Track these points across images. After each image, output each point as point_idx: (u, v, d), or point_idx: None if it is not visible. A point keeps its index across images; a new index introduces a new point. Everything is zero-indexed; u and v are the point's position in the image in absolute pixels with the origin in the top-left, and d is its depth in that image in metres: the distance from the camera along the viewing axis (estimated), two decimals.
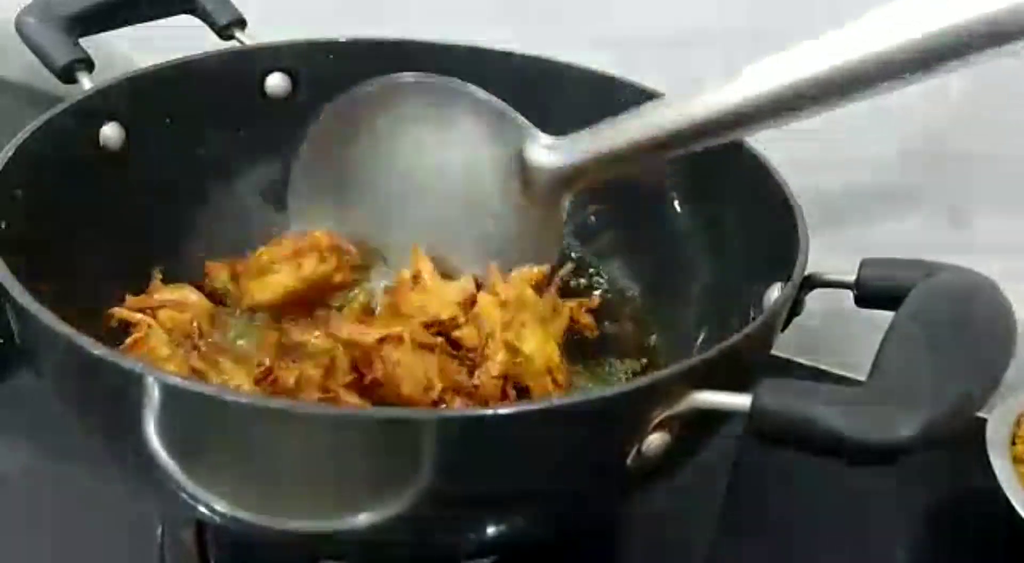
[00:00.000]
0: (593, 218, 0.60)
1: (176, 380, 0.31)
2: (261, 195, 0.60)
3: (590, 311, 0.53)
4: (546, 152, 0.48)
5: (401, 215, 0.52)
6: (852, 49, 0.36)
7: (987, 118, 0.55)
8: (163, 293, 0.50)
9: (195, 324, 0.47)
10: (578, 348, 0.53)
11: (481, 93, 0.49)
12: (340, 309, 0.52)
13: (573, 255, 0.60)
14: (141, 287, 0.51)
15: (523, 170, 0.47)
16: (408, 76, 0.51)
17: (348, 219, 0.54)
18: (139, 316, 0.47)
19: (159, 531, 0.49)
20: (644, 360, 0.54)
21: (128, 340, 0.45)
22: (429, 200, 0.52)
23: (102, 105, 0.50)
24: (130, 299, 0.49)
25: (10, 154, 0.43)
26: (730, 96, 0.39)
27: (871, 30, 0.36)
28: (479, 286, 0.51)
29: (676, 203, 0.55)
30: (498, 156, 0.49)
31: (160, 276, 0.52)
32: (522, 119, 0.49)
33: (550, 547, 0.47)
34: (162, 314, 0.49)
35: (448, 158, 0.51)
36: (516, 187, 0.48)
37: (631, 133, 0.43)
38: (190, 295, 0.51)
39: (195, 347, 0.46)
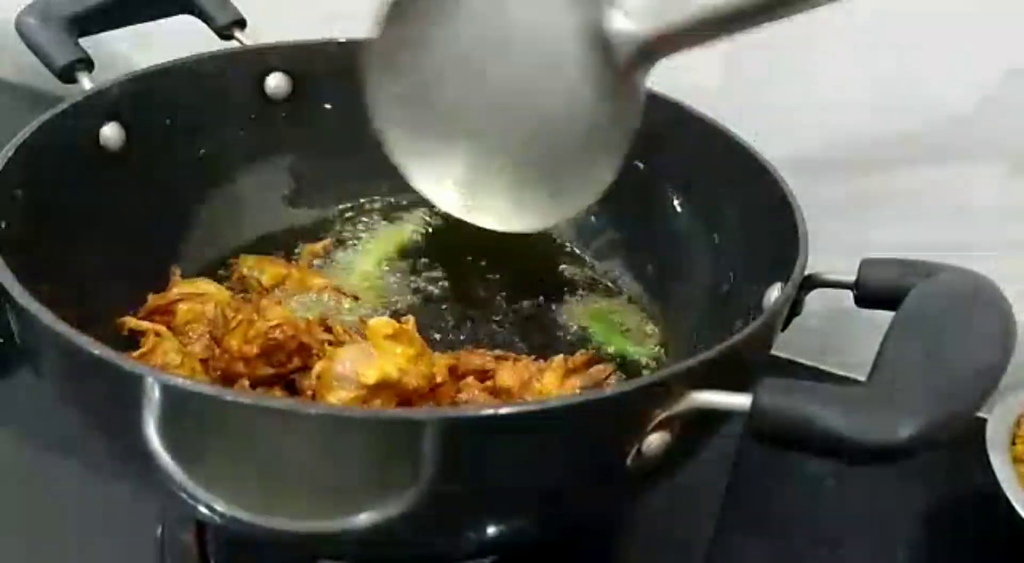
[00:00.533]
0: (593, 218, 0.60)
1: (176, 380, 0.31)
2: (261, 194, 0.60)
3: None
4: (629, 19, 0.44)
5: (480, 116, 0.49)
6: None
7: (987, 119, 0.55)
8: (181, 287, 0.50)
9: (218, 310, 0.47)
10: (579, 346, 0.53)
11: None
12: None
13: (574, 252, 0.61)
14: (140, 286, 0.52)
15: (603, 41, 0.44)
16: None
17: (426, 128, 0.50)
18: (147, 325, 0.47)
19: (159, 531, 0.49)
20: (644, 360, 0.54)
21: (136, 353, 0.45)
22: (504, 90, 0.48)
23: (102, 105, 0.50)
24: (151, 297, 0.49)
25: (10, 154, 0.43)
26: None
27: None
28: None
29: (676, 203, 0.55)
30: (578, 26, 0.45)
31: (179, 272, 0.52)
32: None
33: (550, 547, 0.46)
34: (182, 307, 0.49)
35: (522, 34, 0.47)
36: (596, 61, 0.45)
37: (706, 9, 0.41)
38: (208, 286, 0.51)
39: (218, 337, 0.46)
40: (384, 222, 0.61)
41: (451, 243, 0.60)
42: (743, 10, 0.40)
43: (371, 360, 0.40)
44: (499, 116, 0.48)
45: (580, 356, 0.47)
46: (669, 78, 0.56)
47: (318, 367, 0.42)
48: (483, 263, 0.59)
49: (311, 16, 0.62)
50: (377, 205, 0.63)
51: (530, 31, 0.46)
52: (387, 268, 0.58)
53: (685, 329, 0.53)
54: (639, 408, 0.33)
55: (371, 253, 0.59)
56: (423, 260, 0.59)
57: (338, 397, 0.40)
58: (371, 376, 0.40)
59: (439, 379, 0.43)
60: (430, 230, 0.61)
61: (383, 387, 0.40)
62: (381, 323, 0.43)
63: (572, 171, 0.49)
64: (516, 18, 0.46)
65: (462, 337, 0.54)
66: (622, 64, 0.44)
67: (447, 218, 0.60)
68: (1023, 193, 0.56)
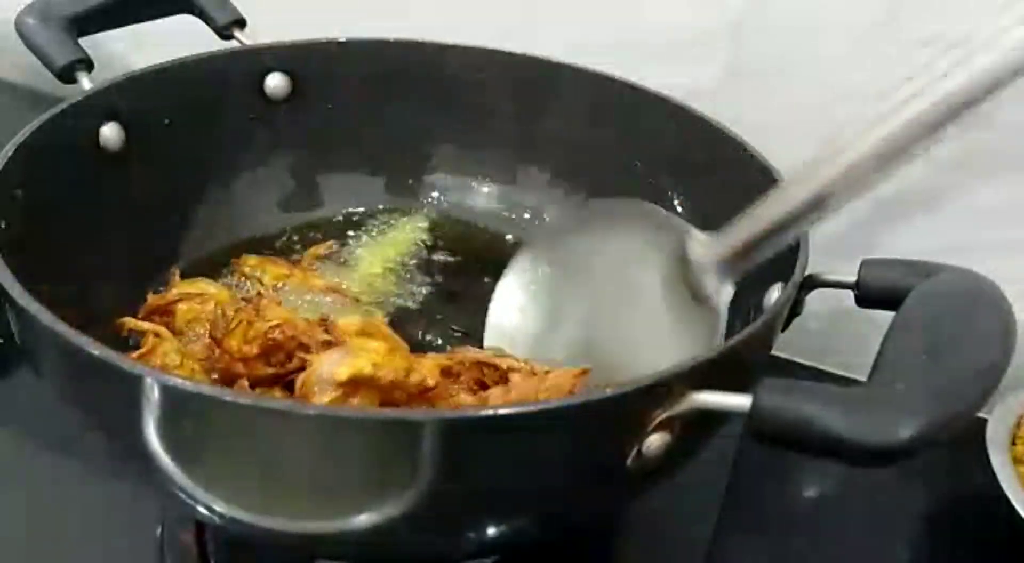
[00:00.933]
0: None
1: (175, 380, 0.31)
2: (261, 195, 0.60)
3: None
4: (704, 246, 0.46)
5: (586, 331, 0.52)
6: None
7: (987, 119, 0.55)
8: (180, 287, 0.50)
9: (218, 311, 0.46)
10: None
11: (646, 206, 0.50)
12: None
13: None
14: (140, 286, 0.52)
15: (687, 270, 0.47)
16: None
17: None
18: (147, 325, 0.47)
19: (159, 531, 0.49)
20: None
21: (136, 353, 0.45)
22: (607, 312, 0.51)
23: (102, 105, 0.50)
24: (151, 297, 0.49)
25: (10, 154, 0.43)
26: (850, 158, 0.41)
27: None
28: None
29: (676, 203, 0.55)
30: (662, 260, 0.48)
31: (179, 273, 0.52)
32: (677, 219, 0.49)
33: (550, 547, 0.46)
34: (181, 307, 0.49)
35: (621, 271, 0.51)
36: (682, 289, 0.47)
37: (774, 214, 0.42)
38: (208, 287, 0.50)
39: (217, 337, 0.45)
40: (385, 224, 0.61)
41: (452, 246, 0.60)
42: (801, 214, 0.41)
43: (345, 359, 0.40)
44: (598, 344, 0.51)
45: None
46: (669, 78, 0.56)
47: (301, 377, 0.42)
48: (484, 267, 0.59)
49: (311, 16, 0.62)
50: (379, 207, 0.63)
51: (625, 275, 0.50)
52: (388, 270, 0.58)
53: None
54: (639, 408, 0.33)
55: (372, 255, 0.59)
56: (424, 263, 0.59)
57: (319, 401, 0.40)
58: (343, 373, 0.40)
59: (431, 382, 0.43)
60: (431, 233, 0.61)
61: (358, 384, 0.40)
62: (349, 321, 0.43)
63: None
64: (614, 270, 0.50)
65: (462, 341, 0.54)
66: (706, 289, 0.45)
67: (449, 221, 0.60)
68: (1023, 194, 0.56)
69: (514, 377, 0.44)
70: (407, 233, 0.61)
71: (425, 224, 0.62)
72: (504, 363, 0.45)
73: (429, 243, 0.61)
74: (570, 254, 0.52)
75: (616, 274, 0.51)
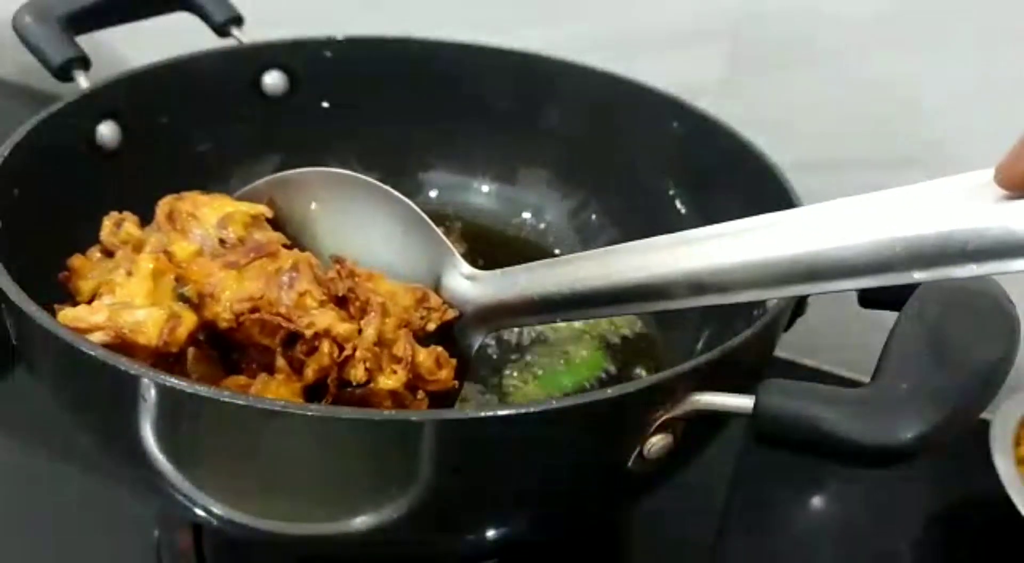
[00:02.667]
0: (593, 217, 0.60)
1: (173, 381, 0.31)
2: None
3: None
4: (466, 283, 0.42)
5: None
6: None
7: (988, 119, 0.55)
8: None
9: None
10: (578, 347, 0.53)
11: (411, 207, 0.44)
12: None
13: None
14: None
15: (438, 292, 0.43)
16: (343, 173, 0.47)
17: None
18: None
19: (156, 533, 0.48)
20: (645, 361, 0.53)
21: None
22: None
23: (99, 103, 0.50)
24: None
25: (6, 153, 0.43)
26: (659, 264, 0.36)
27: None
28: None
29: (677, 203, 0.55)
30: (415, 270, 0.44)
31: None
32: (446, 243, 0.43)
33: (551, 548, 0.46)
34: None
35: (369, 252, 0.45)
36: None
37: (550, 284, 0.39)
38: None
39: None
40: None
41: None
42: (570, 300, 0.38)
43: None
44: None
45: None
46: (670, 76, 0.56)
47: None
48: (484, 266, 0.58)
49: (308, 13, 0.62)
50: None
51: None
52: None
53: (686, 329, 0.53)
54: (641, 410, 0.33)
55: None
56: None
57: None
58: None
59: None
60: None
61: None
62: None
63: None
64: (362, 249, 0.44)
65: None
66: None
67: (448, 221, 0.60)
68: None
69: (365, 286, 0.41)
70: None
71: None
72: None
73: None
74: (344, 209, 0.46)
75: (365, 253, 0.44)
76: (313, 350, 0.38)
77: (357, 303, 0.39)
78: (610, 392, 0.32)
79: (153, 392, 0.31)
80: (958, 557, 0.54)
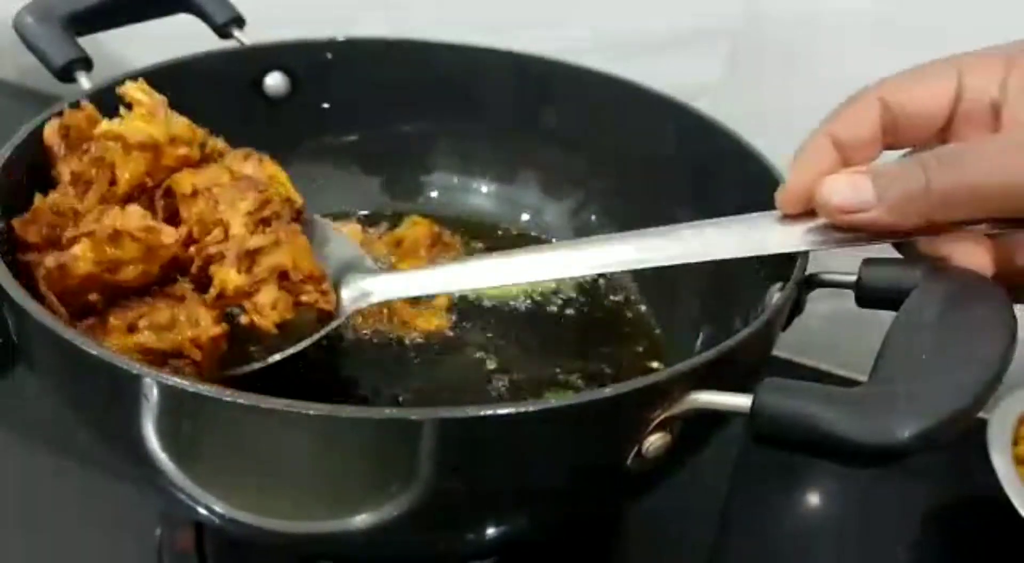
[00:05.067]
0: (593, 217, 0.60)
1: (174, 380, 0.31)
2: None
3: None
4: (368, 279, 0.46)
5: None
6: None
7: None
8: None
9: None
10: (579, 347, 0.53)
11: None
12: None
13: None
14: None
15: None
16: None
17: None
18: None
19: (157, 532, 0.49)
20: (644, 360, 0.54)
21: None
22: None
23: (99, 104, 0.50)
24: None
25: (7, 154, 0.43)
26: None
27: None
28: None
29: (677, 204, 0.55)
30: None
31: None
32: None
33: (550, 548, 0.46)
34: None
35: None
36: None
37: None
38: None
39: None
40: (384, 223, 0.61)
41: None
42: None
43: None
44: None
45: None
46: (669, 77, 0.56)
47: None
48: None
49: (310, 15, 0.62)
50: (375, 206, 0.63)
51: None
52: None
53: (685, 329, 0.53)
54: (639, 409, 0.33)
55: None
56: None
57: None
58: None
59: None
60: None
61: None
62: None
63: None
64: None
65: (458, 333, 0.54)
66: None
67: (447, 221, 0.60)
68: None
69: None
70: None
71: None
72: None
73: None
74: None
75: None
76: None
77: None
78: (609, 391, 0.32)
79: (155, 391, 0.31)
80: (956, 556, 0.54)
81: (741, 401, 0.32)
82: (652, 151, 0.56)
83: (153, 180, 0.43)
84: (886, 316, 0.36)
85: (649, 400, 0.33)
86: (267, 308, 0.41)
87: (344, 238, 0.49)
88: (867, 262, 0.42)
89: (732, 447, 0.55)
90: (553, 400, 0.32)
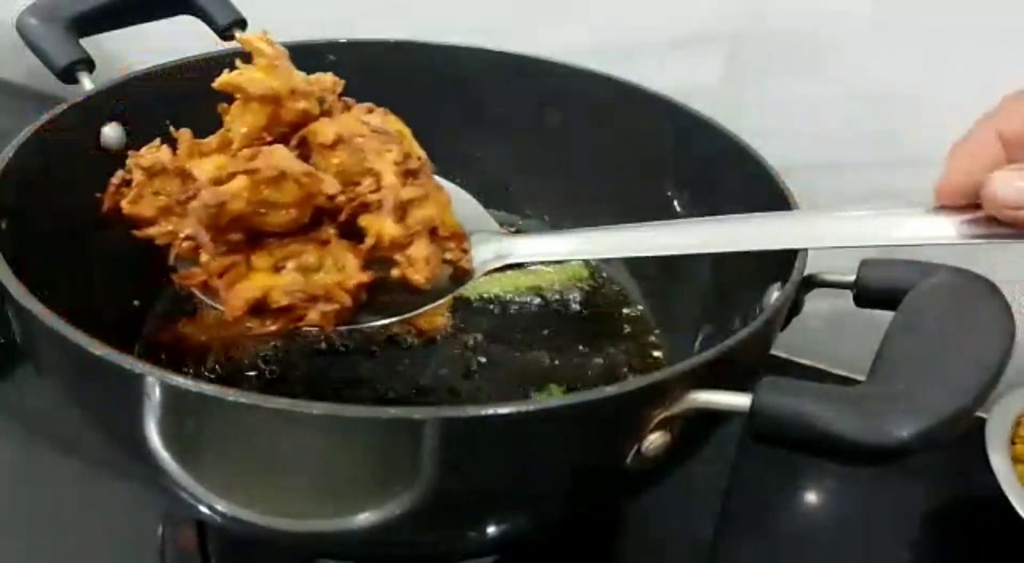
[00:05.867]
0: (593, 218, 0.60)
1: (177, 380, 0.31)
2: None
3: None
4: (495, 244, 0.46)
5: None
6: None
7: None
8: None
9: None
10: (579, 347, 0.54)
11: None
12: None
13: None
14: (139, 286, 0.52)
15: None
16: None
17: None
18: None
19: (160, 530, 0.49)
20: (644, 360, 0.54)
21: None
22: None
23: (103, 105, 0.50)
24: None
25: (11, 154, 0.43)
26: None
27: None
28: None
29: (676, 203, 0.55)
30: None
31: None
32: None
33: (550, 547, 0.47)
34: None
35: None
36: None
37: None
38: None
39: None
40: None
41: None
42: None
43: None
44: None
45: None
46: (670, 79, 0.56)
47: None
48: None
49: (312, 17, 0.62)
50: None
51: None
52: None
53: (685, 329, 0.53)
54: (639, 408, 0.33)
55: None
56: None
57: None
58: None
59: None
60: None
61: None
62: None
63: None
64: None
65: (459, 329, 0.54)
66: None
67: None
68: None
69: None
70: None
71: None
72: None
73: None
74: None
75: None
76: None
77: None
78: (609, 390, 0.32)
79: (157, 390, 0.31)
80: (955, 554, 0.54)
81: (740, 400, 0.32)
82: (652, 152, 0.56)
83: (270, 135, 0.42)
84: (884, 316, 0.36)
85: (649, 399, 0.33)
86: (421, 262, 0.40)
87: (467, 197, 0.48)
88: (866, 262, 0.42)
89: (731, 446, 0.55)
90: (553, 400, 0.32)
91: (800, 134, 0.58)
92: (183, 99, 0.54)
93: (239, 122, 0.41)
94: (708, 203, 0.54)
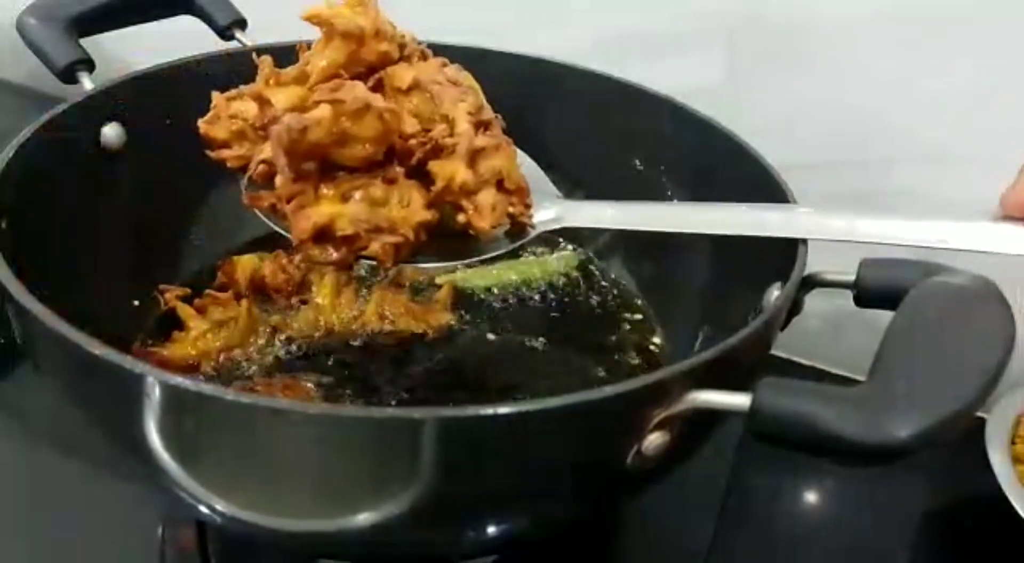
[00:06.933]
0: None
1: (176, 380, 0.31)
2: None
3: None
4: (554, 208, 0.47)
5: None
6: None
7: (986, 119, 0.55)
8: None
9: None
10: (579, 346, 0.54)
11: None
12: None
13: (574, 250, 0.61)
14: (140, 285, 0.52)
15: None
16: None
17: None
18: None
19: (160, 531, 0.49)
20: (644, 360, 0.54)
21: None
22: None
23: (103, 105, 0.50)
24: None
25: (11, 154, 0.43)
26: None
27: None
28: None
29: (676, 203, 0.56)
30: None
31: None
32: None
33: (550, 547, 0.47)
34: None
35: None
36: None
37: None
38: None
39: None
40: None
41: None
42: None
43: None
44: None
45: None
46: (669, 78, 0.56)
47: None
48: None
49: None
50: None
51: None
52: None
53: (685, 329, 0.53)
54: (639, 408, 0.33)
55: None
56: None
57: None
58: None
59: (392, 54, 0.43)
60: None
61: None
62: None
63: None
64: None
65: (464, 327, 0.54)
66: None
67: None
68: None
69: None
70: None
71: None
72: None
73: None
74: None
75: None
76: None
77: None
78: (609, 391, 0.32)
79: (157, 391, 0.31)
80: (954, 554, 0.54)
81: (740, 400, 0.32)
82: (652, 151, 0.56)
83: (347, 73, 0.42)
84: (884, 316, 0.36)
85: (649, 399, 0.33)
86: (487, 209, 0.40)
87: (529, 161, 0.48)
88: (866, 262, 0.42)
89: (731, 446, 0.55)
90: (553, 400, 0.32)
91: (800, 134, 0.58)
92: (183, 99, 0.54)
93: (319, 57, 0.42)
94: (708, 200, 0.54)
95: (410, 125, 0.40)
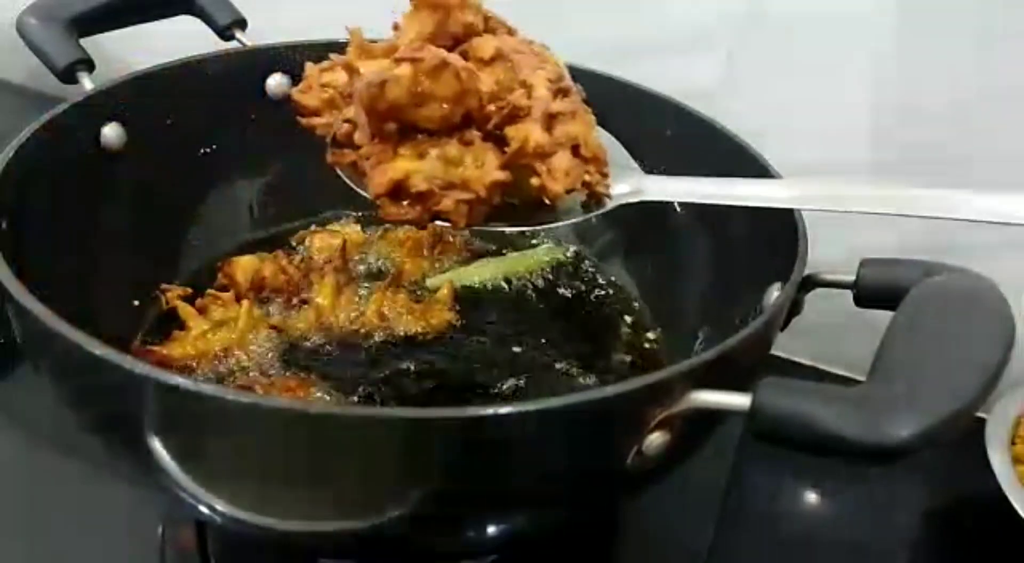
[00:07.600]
0: (593, 219, 0.60)
1: (177, 380, 0.31)
2: (262, 195, 0.60)
3: None
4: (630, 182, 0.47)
5: None
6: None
7: (986, 119, 0.55)
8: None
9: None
10: (580, 346, 0.54)
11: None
12: None
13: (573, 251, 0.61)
14: (139, 285, 0.52)
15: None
16: None
17: None
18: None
19: (160, 531, 0.49)
20: (644, 360, 0.54)
21: None
22: None
23: (103, 105, 0.50)
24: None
25: (11, 154, 0.43)
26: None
27: None
28: None
29: (676, 203, 0.55)
30: None
31: None
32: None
33: (550, 547, 0.47)
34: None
35: None
36: None
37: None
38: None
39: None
40: (388, 224, 0.61)
41: None
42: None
43: None
44: None
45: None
46: (669, 78, 0.56)
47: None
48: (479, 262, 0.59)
49: (312, 17, 0.62)
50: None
51: None
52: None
53: (685, 329, 0.53)
54: (640, 408, 0.33)
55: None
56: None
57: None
58: None
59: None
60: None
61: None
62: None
63: None
64: None
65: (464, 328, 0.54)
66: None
67: None
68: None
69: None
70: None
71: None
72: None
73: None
74: None
75: None
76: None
77: None
78: (609, 390, 0.32)
79: (157, 391, 0.31)
80: (954, 554, 0.54)
81: (740, 400, 0.32)
82: (653, 152, 0.56)
83: (434, 45, 0.42)
84: (883, 316, 0.36)
85: (649, 399, 0.33)
86: (561, 173, 0.40)
87: (609, 136, 0.48)
88: (866, 262, 0.42)
89: (731, 446, 0.55)
90: (554, 400, 0.32)
91: (800, 134, 0.58)
92: (183, 99, 0.54)
93: (408, 28, 0.43)
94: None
95: (486, 83, 0.40)
